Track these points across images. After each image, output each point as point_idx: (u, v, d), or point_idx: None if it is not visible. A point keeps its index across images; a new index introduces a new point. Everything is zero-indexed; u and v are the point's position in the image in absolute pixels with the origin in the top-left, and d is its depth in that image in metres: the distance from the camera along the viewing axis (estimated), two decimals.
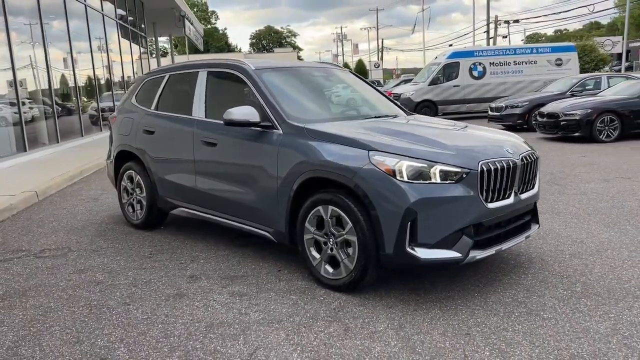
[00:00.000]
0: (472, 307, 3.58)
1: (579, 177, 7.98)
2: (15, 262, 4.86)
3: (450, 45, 48.08)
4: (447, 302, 3.67)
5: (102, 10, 17.08)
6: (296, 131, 4.12)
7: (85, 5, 15.34)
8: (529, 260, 4.45)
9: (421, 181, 3.49)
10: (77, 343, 3.25)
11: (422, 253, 3.50)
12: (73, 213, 6.72)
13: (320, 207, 3.89)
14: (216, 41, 79.75)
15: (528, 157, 4.01)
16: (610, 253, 4.55)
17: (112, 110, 17.62)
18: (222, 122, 4.61)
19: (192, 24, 28.07)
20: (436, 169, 3.50)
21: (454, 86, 19.28)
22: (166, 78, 5.55)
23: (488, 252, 3.70)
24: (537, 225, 4.28)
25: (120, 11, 19.28)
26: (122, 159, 5.94)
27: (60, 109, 13.35)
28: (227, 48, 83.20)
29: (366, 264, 3.66)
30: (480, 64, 19.31)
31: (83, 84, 15.54)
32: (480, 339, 3.14)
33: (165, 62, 31.03)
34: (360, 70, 60.96)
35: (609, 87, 14.98)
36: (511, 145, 4.03)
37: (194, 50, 51.17)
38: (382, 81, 47.00)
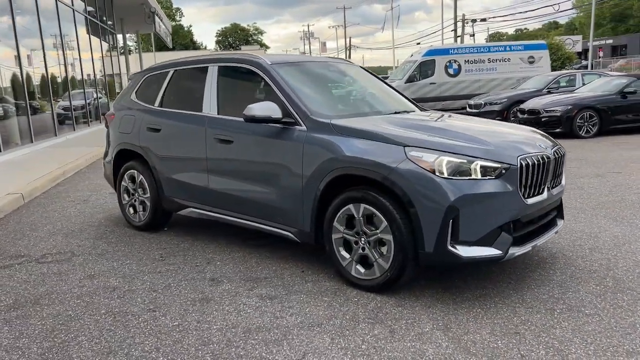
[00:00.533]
0: (511, 305, 3.53)
1: (571, 172, 8.08)
2: (17, 268, 4.58)
3: (418, 43, 48.58)
4: (485, 301, 3.62)
5: (73, 5, 16.52)
6: (322, 127, 4.00)
7: (56, 0, 14.79)
8: (551, 256, 4.44)
9: (462, 177, 3.42)
10: (110, 354, 3.06)
11: (464, 251, 3.42)
12: (66, 216, 6.42)
13: (351, 206, 3.78)
14: (181, 38, 78.45)
15: (558, 152, 3.99)
16: (629, 247, 4.58)
17: (84, 108, 17.09)
18: (238, 118, 4.49)
19: (162, 20, 27.50)
20: (477, 165, 3.43)
21: (430, 84, 19.39)
22: (170, 73, 5.34)
23: (525, 249, 3.66)
24: (562, 220, 4.27)
25: (89, 7, 18.69)
26: (122, 158, 5.70)
27: (32, 107, 12.82)
28: (193, 45, 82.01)
29: (403, 263, 3.57)
30: (455, 61, 19.46)
31: (55, 81, 14.98)
32: (531, 337, 3.09)
33: (133, 59, 30.28)
34: None
35: (583, 84, 15.32)
36: (540, 139, 4.01)
37: (159, 47, 50.27)
38: None
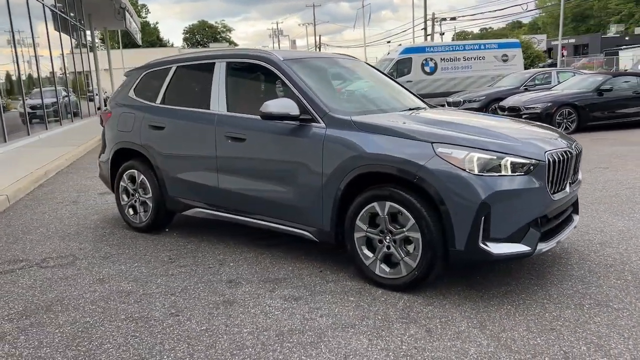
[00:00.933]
0: (539, 301, 3.53)
1: None
2: (18, 273, 4.38)
3: (389, 42, 48.84)
4: (512, 297, 3.61)
5: (43, 0, 15.99)
6: (342, 124, 3.93)
7: None
8: (564, 251, 4.47)
9: (492, 174, 3.40)
10: None
11: (495, 248, 3.41)
12: (58, 217, 6.18)
13: (375, 204, 3.72)
14: (148, 36, 76.85)
15: (577, 148, 4.01)
16: (637, 241, 4.66)
17: (54, 105, 16.57)
18: (250, 116, 4.39)
19: (132, 17, 26.91)
20: (507, 161, 3.42)
21: (407, 82, 19.51)
22: (173, 70, 5.18)
23: (551, 245, 3.67)
24: (578, 216, 4.31)
25: (59, 3, 18.14)
26: (121, 157, 5.51)
27: (4, 105, 12.36)
28: (159, 43, 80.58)
29: (432, 262, 3.53)
30: (431, 59, 19.64)
31: (25, 78, 14.47)
32: (568, 333, 3.09)
33: (101, 55, 29.52)
34: None
35: (558, 81, 15.63)
36: (558, 135, 4.03)
37: (125, 44, 49.25)
38: None
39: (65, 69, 19.07)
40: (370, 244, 3.85)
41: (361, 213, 3.81)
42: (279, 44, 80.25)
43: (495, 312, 3.40)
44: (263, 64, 4.49)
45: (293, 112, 4.03)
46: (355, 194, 3.86)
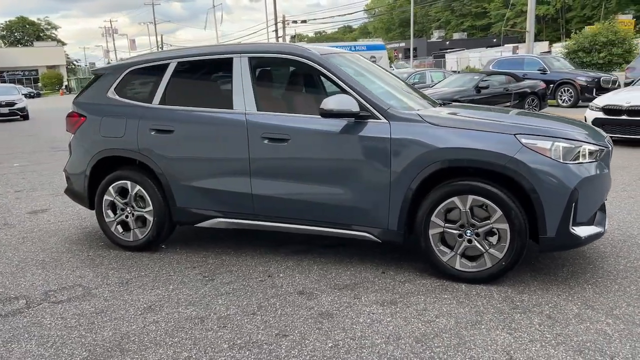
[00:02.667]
0: (618, 283, 3.81)
1: None
2: (30, 313, 3.58)
3: (240, 43, 48.38)
4: (579, 279, 3.85)
5: None
6: (409, 120, 3.85)
7: None
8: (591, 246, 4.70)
9: (576, 161, 3.59)
10: None
11: (581, 232, 3.61)
12: (3, 245, 5.14)
13: (455, 198, 3.71)
14: None
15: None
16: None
17: None
18: (292, 114, 4.14)
19: None
20: (585, 149, 3.64)
21: None
22: (172, 66, 4.60)
23: (606, 227, 3.97)
24: None
25: None
26: (103, 168, 4.77)
27: None
28: None
29: (520, 251, 3.63)
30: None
31: None
32: None
33: None
34: None
35: (432, 80, 16.90)
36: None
37: None
38: None
39: None
40: (443, 240, 3.83)
41: (437, 209, 3.77)
42: (113, 43, 75.24)
43: (594, 292, 3.59)
44: (299, 59, 4.21)
45: (354, 109, 3.86)
46: (427, 190, 3.81)
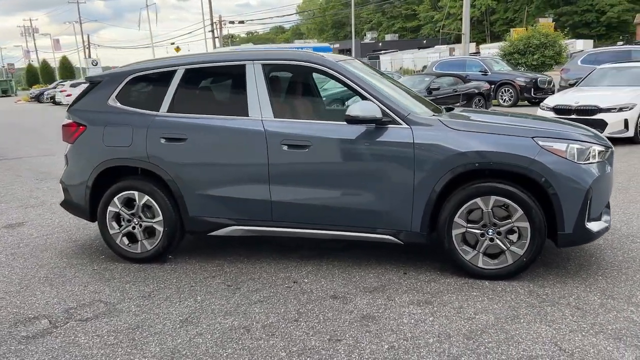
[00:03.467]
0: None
1: None
2: (59, 334, 3.43)
3: (173, 43, 47.40)
4: (600, 283, 4.12)
5: None
6: (431, 124, 3.99)
7: None
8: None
9: (588, 161, 3.86)
10: None
11: (594, 227, 3.89)
12: (13, 255, 4.87)
13: (478, 199, 3.89)
14: None
15: None
16: None
17: None
18: (312, 121, 4.22)
19: None
20: (594, 149, 3.92)
21: None
22: (179, 73, 4.50)
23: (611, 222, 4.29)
24: None
25: None
26: (106, 178, 4.61)
27: None
28: None
29: (539, 247, 3.86)
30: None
31: None
32: None
33: None
34: (68, 68, 55.32)
35: None
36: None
37: None
38: None
39: None
40: (465, 239, 4.00)
41: (460, 210, 3.94)
42: (34, 43, 71.53)
43: (614, 283, 3.86)
44: (315, 66, 4.27)
45: (378, 115, 3.96)
46: (449, 192, 3.97)
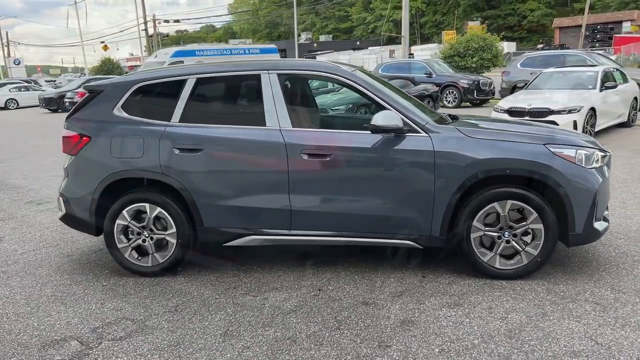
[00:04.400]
0: None
1: None
2: (96, 355, 3.31)
3: (103, 42, 45.74)
4: (606, 278, 4.42)
5: None
6: (449, 133, 4.16)
7: None
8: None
9: (593, 166, 4.15)
10: None
11: (599, 226, 4.19)
12: (5, 274, 4.59)
13: (495, 204, 4.09)
14: None
15: None
16: None
17: None
18: (334, 130, 4.27)
19: None
20: (597, 155, 4.21)
21: None
22: (190, 83, 4.42)
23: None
24: None
25: None
26: (113, 191, 4.47)
27: None
28: None
29: (552, 247, 4.11)
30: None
31: None
32: None
33: None
34: None
35: (334, 85, 17.44)
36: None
37: None
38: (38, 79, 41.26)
39: None
40: (482, 242, 4.20)
41: (479, 214, 4.12)
42: None
43: (626, 278, 4.15)
44: (333, 76, 4.35)
45: (400, 124, 4.08)
46: (467, 197, 4.15)
